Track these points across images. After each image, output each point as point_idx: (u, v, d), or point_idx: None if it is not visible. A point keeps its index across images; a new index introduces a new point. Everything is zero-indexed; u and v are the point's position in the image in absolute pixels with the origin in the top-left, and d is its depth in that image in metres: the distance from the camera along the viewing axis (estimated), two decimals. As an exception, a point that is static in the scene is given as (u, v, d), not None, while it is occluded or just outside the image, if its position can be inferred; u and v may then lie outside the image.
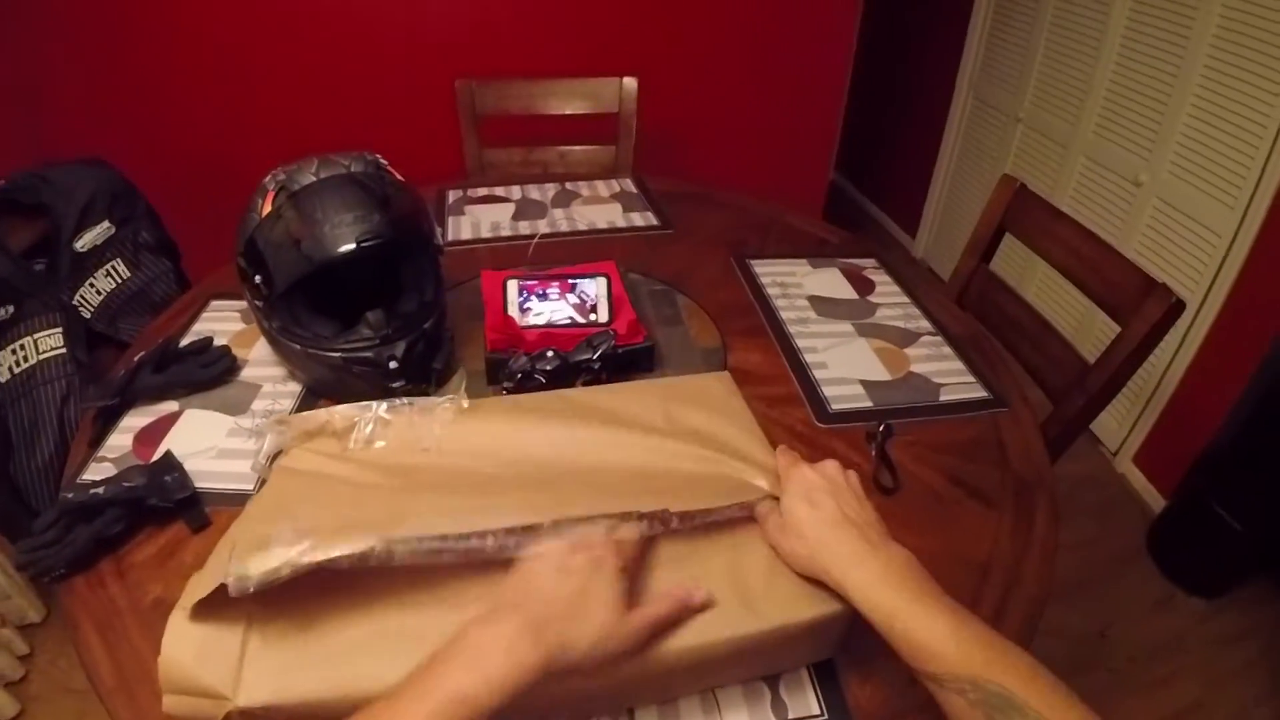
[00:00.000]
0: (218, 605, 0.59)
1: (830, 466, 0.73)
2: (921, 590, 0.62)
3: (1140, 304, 1.20)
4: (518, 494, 0.73)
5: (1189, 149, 2.19)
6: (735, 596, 0.67)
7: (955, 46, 3.25)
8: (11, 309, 1.68)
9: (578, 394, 0.94)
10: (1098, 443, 2.61)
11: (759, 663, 0.73)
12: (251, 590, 0.57)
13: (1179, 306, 1.16)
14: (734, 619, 0.66)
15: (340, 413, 0.83)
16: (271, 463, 0.81)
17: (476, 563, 0.64)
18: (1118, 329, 1.25)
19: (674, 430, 0.84)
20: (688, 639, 0.64)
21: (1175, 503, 2.25)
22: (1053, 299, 2.68)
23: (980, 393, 1.16)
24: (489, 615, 0.59)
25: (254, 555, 0.58)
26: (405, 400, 0.84)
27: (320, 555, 0.58)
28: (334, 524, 0.63)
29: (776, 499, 0.73)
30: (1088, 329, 2.54)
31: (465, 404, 0.85)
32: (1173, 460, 2.29)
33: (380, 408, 0.83)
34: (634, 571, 0.66)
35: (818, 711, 0.72)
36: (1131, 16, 2.34)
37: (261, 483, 0.84)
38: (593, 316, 1.16)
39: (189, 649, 0.60)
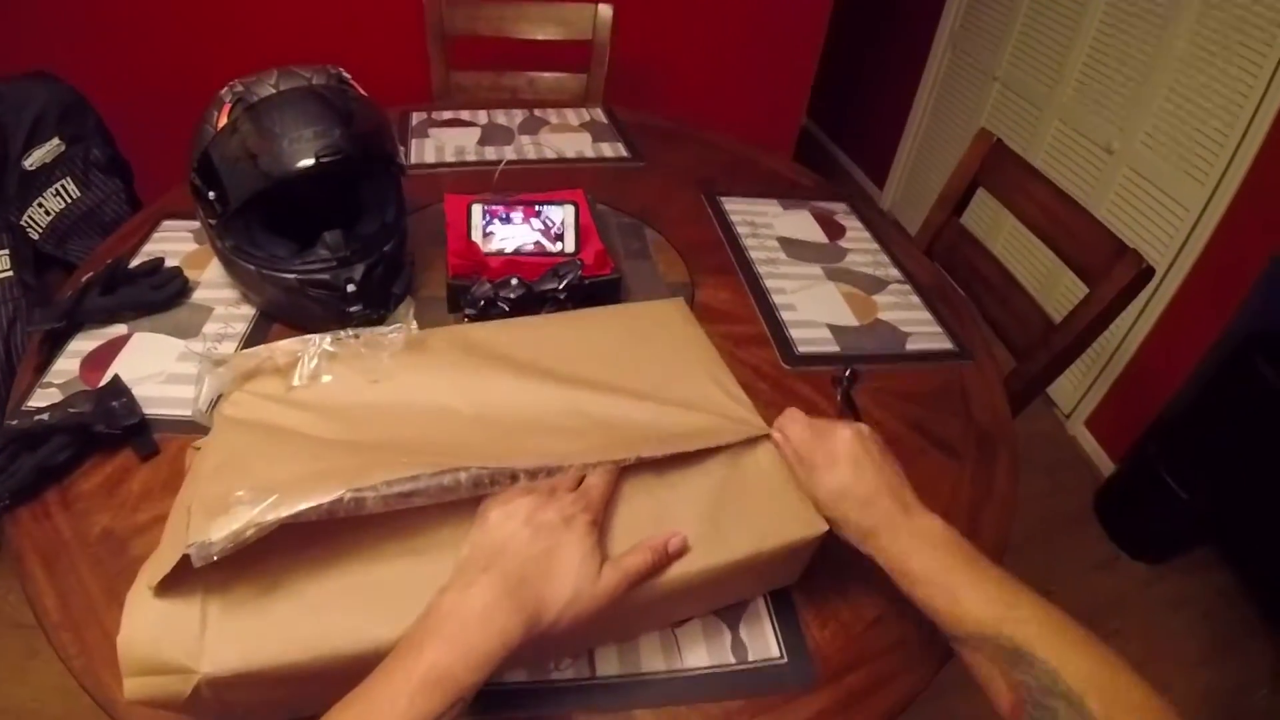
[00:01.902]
0: (172, 578, 0.55)
1: (865, 429, 0.72)
2: (950, 560, 0.62)
3: (1110, 267, 1.19)
4: (483, 432, 0.70)
5: (1164, 122, 2.19)
6: (705, 528, 0.65)
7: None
8: (-44, 230, 1.59)
9: (534, 322, 0.90)
10: (1052, 404, 2.65)
11: (725, 592, 0.72)
12: (215, 557, 0.53)
13: (1148, 272, 1.16)
14: (705, 551, 0.64)
15: (282, 348, 0.76)
16: (211, 409, 0.75)
17: (444, 507, 0.61)
18: (1083, 288, 1.25)
19: (637, 365, 0.81)
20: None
21: (1124, 468, 2.29)
22: (1019, 254, 2.69)
23: (946, 344, 1.16)
24: (460, 580, 0.56)
25: (214, 519, 0.54)
26: (350, 332, 0.78)
27: (287, 510, 0.54)
28: (296, 475, 0.59)
29: (756, 439, 0.73)
30: (1053, 286, 2.56)
31: (414, 330, 0.80)
32: (1124, 426, 2.33)
33: (324, 341, 0.77)
34: (603, 521, 0.63)
35: (777, 654, 0.71)
36: (1118, -17, 2.32)
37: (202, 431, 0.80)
38: (559, 245, 1.12)
39: (146, 627, 0.55)
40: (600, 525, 0.62)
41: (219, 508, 0.55)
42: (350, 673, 0.53)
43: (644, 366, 0.81)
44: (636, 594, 0.61)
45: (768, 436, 0.73)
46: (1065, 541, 2.21)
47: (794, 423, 0.72)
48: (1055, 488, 2.37)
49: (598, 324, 0.89)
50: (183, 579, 0.55)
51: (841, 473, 0.67)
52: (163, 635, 0.55)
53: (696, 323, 0.91)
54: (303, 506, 0.54)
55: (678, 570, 0.63)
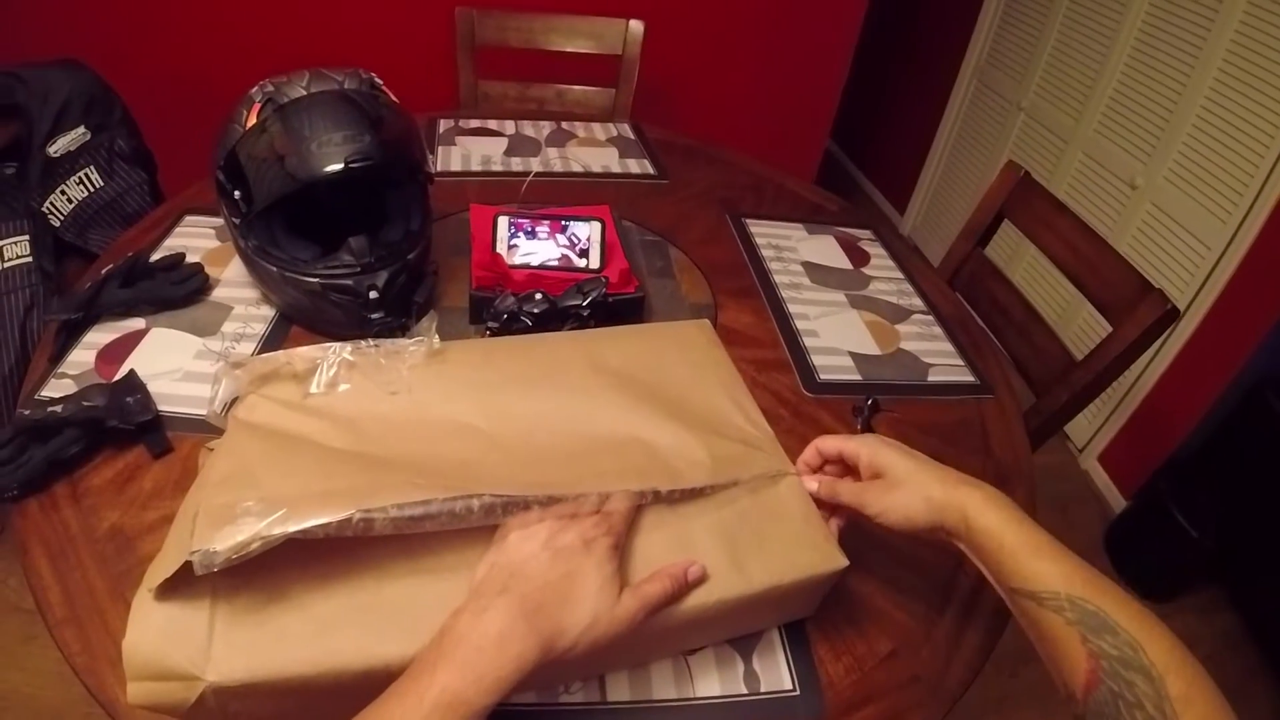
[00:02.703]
0: (179, 583, 0.54)
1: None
2: (1021, 515, 0.63)
3: (1134, 307, 1.19)
4: (500, 453, 0.70)
5: (1189, 159, 2.17)
6: (725, 558, 0.64)
7: (965, 28, 3.20)
8: (-24, 214, 1.59)
9: (556, 338, 0.90)
10: (1065, 438, 2.63)
11: (740, 622, 0.72)
12: (217, 568, 0.52)
13: (1173, 313, 1.15)
14: (724, 582, 0.63)
15: (301, 354, 0.76)
16: (227, 411, 0.74)
17: (458, 529, 0.60)
18: (1102, 321, 1.25)
19: (660, 387, 0.80)
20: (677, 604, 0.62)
21: (1135, 505, 2.27)
22: (1038, 285, 2.68)
23: (968, 377, 1.15)
24: (475, 603, 0.55)
25: (220, 529, 0.53)
26: (371, 343, 0.78)
27: (294, 526, 0.53)
28: (306, 491, 0.58)
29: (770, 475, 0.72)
30: (1071, 317, 2.54)
31: (436, 344, 0.79)
32: (1137, 463, 2.32)
33: (344, 350, 0.77)
34: (624, 546, 0.63)
35: (790, 686, 0.70)
36: (1147, 20, 2.31)
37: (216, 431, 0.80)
38: (583, 261, 1.12)
39: (152, 631, 0.54)
40: (621, 549, 0.62)
41: (226, 517, 0.54)
42: (357, 689, 0.52)
43: (666, 389, 0.80)
44: (652, 621, 0.60)
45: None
46: (1073, 577, 2.18)
47: (849, 440, 0.71)
48: (1066, 522, 2.35)
49: (621, 343, 0.88)
50: (190, 585, 0.55)
51: (899, 460, 0.67)
52: (169, 641, 0.54)
53: (721, 346, 0.90)
54: (310, 523, 0.54)
55: (695, 599, 0.62)
